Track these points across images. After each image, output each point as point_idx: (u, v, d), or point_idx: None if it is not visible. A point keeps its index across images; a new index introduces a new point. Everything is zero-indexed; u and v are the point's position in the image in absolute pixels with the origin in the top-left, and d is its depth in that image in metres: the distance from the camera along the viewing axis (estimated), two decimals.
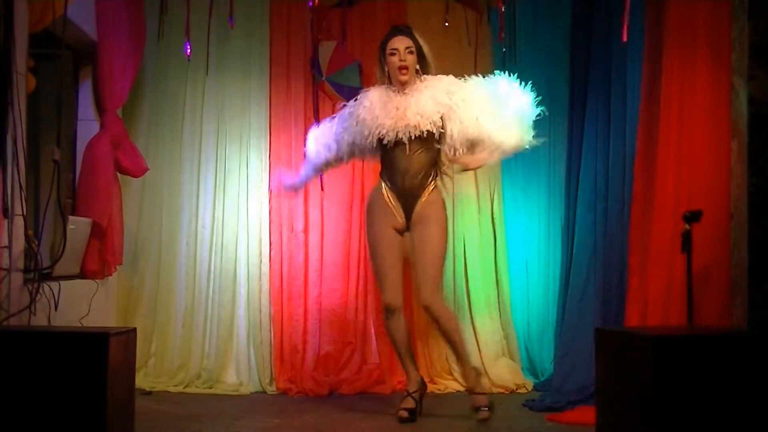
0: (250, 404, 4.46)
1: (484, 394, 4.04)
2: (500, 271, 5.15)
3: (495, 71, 4.00)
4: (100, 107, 4.59)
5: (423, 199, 3.99)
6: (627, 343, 3.18)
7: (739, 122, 3.62)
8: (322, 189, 4.90)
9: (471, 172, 4.99)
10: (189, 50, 4.63)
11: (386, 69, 4.04)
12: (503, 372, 4.94)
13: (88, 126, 4.67)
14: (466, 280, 5.09)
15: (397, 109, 3.97)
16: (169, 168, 5.04)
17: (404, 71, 3.98)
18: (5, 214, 3.37)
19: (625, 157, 4.42)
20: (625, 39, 3.62)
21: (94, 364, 2.89)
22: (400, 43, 4.00)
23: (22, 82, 3.48)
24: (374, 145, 4.04)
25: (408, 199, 4.00)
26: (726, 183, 3.70)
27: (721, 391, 2.98)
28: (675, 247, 3.75)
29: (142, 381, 4.66)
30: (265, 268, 4.99)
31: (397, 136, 3.95)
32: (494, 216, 5.17)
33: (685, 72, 3.97)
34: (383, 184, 4.05)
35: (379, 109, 4.00)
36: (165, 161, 5.03)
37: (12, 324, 3.31)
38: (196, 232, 5.01)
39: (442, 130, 3.96)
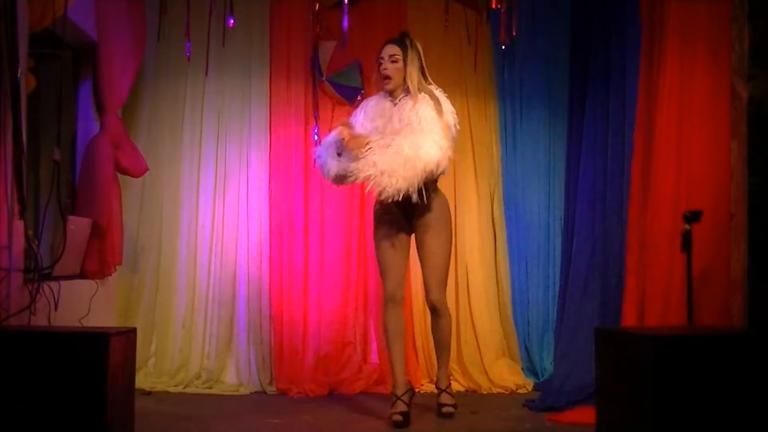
0: (250, 404, 4.46)
1: (452, 395, 4.16)
2: (500, 271, 5.14)
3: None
4: (100, 107, 4.59)
5: (424, 206, 3.90)
6: (627, 343, 3.18)
7: (739, 122, 3.61)
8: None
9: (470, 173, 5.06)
10: (189, 50, 4.63)
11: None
12: (503, 372, 4.93)
13: (88, 126, 4.67)
14: (467, 280, 5.08)
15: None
16: (169, 168, 5.03)
17: (387, 81, 3.97)
18: (21, 215, 3.37)
19: (624, 157, 4.41)
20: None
21: (94, 364, 2.89)
22: (386, 51, 3.99)
23: (23, 82, 3.47)
24: None
25: (408, 207, 3.93)
26: (726, 183, 3.70)
27: (721, 391, 2.98)
28: (674, 247, 3.75)
29: (142, 381, 4.66)
30: (265, 269, 4.98)
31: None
32: (494, 216, 5.17)
33: (685, 72, 3.97)
34: None
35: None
36: (165, 161, 5.03)
37: (12, 324, 3.31)
38: (196, 232, 5.00)
39: None
